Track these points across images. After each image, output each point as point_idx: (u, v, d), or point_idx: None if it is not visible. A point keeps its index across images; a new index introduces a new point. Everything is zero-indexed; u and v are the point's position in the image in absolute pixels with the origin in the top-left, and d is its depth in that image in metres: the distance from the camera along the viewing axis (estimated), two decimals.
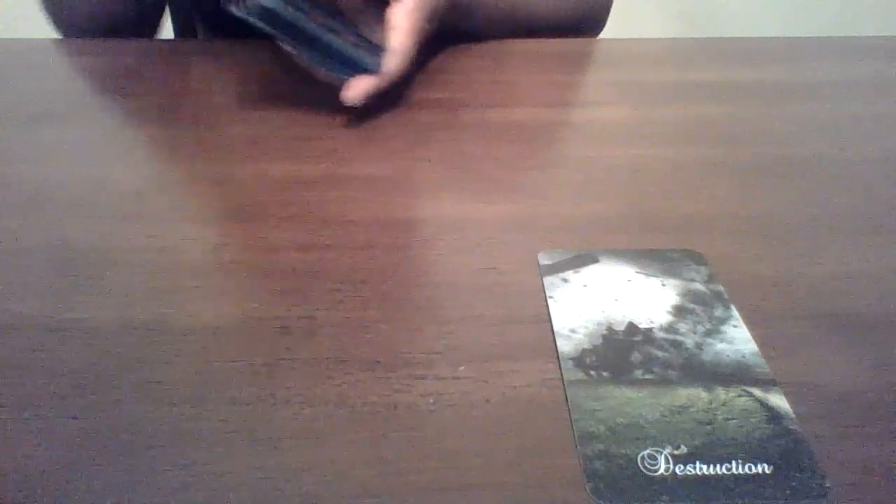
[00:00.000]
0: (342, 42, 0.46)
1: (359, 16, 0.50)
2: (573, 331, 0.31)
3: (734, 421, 0.27)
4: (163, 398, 0.28)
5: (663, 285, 0.34)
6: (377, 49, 0.47)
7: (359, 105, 0.46)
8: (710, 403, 0.28)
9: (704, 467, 0.26)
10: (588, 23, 0.65)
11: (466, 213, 0.38)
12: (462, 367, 0.29)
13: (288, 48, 0.48)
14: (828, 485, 0.25)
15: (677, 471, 0.25)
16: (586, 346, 0.30)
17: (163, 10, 0.64)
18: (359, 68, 0.46)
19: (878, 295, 0.33)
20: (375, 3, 0.48)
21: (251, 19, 0.43)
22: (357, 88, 0.46)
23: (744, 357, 0.30)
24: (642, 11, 1.39)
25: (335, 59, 0.46)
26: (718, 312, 0.32)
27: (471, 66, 0.55)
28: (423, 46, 0.50)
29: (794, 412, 0.28)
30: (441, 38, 0.57)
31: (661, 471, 0.25)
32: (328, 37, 0.45)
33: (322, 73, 0.48)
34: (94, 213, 0.38)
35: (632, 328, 0.31)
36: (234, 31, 0.68)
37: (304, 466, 0.26)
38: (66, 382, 0.29)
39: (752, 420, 0.27)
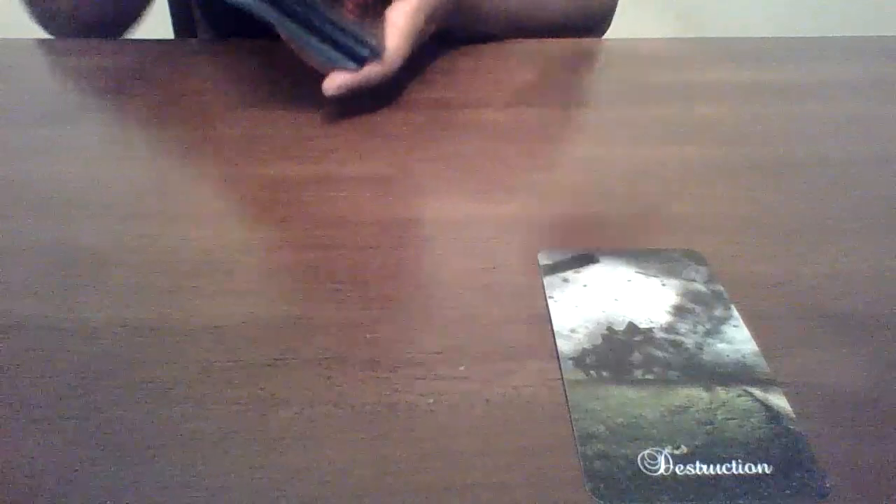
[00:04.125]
0: (337, 31, 0.45)
1: (363, 10, 0.49)
2: (573, 331, 0.31)
3: (734, 421, 0.27)
4: (163, 398, 0.28)
5: (663, 285, 0.34)
6: (368, 44, 0.46)
7: (335, 97, 0.45)
8: (710, 403, 0.28)
9: (704, 467, 0.26)
10: (593, 24, 0.65)
11: (466, 213, 0.38)
12: (462, 367, 0.29)
13: (284, 32, 0.48)
14: (828, 485, 0.25)
15: (677, 471, 0.25)
16: (586, 346, 0.30)
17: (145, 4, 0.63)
18: (356, 58, 0.45)
19: (877, 295, 0.33)
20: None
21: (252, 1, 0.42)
22: (334, 81, 0.45)
23: (744, 357, 0.30)
24: (642, 11, 1.39)
25: (332, 47, 0.45)
26: (718, 312, 0.32)
27: (471, 66, 0.55)
28: (422, 46, 0.50)
29: (794, 412, 0.28)
30: (441, 38, 0.57)
31: (661, 471, 0.25)
32: (325, 25, 0.45)
33: (318, 60, 0.47)
34: (94, 213, 0.38)
35: (632, 328, 0.31)
36: (233, 30, 0.68)
37: (304, 466, 0.26)
38: (65, 382, 0.29)
39: (752, 420, 0.27)
